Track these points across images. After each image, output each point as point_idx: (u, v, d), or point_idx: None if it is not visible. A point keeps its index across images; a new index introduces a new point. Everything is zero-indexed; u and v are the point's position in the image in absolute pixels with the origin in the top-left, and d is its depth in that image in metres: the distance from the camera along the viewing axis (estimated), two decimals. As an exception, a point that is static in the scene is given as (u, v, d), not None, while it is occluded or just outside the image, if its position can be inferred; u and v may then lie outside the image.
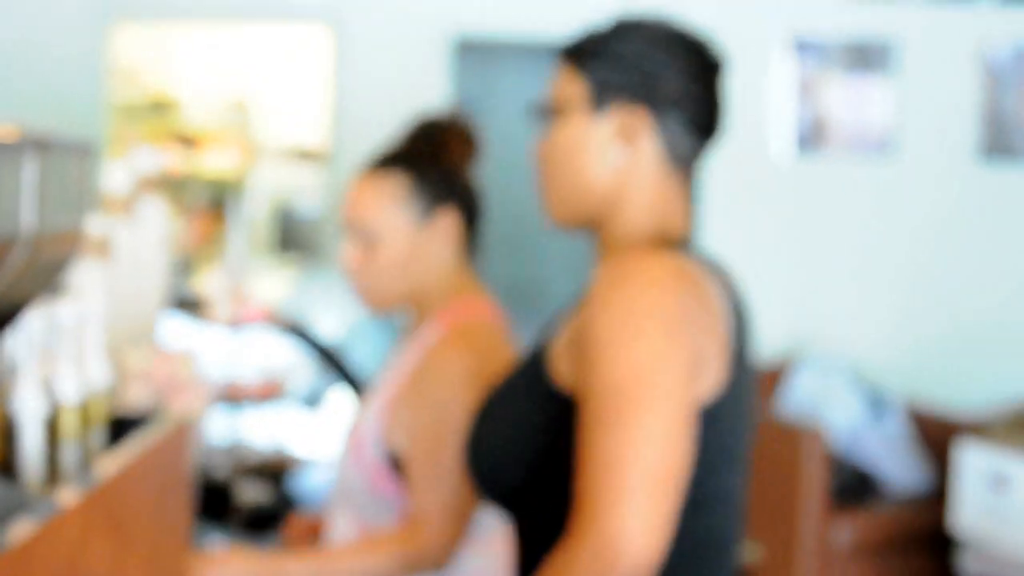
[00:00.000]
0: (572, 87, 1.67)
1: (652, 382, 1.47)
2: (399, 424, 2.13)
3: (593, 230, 1.71)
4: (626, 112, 1.63)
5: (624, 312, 1.49)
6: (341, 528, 2.21)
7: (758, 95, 6.27)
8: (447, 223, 2.17)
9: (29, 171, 1.22)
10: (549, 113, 1.71)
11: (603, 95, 1.64)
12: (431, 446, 2.07)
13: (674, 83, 1.63)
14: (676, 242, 1.64)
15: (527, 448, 1.61)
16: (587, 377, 1.51)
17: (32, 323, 1.61)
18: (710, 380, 1.55)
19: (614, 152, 1.65)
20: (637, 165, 1.65)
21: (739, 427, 1.64)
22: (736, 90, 6.31)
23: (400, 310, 2.26)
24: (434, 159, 2.19)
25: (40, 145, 1.24)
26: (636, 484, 1.43)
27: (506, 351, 2.19)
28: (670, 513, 1.46)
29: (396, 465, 2.13)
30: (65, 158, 1.34)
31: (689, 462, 1.50)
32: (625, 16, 1.69)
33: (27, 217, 1.23)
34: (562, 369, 1.60)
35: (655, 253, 1.57)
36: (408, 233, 2.16)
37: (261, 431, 3.48)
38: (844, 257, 6.36)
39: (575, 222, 1.72)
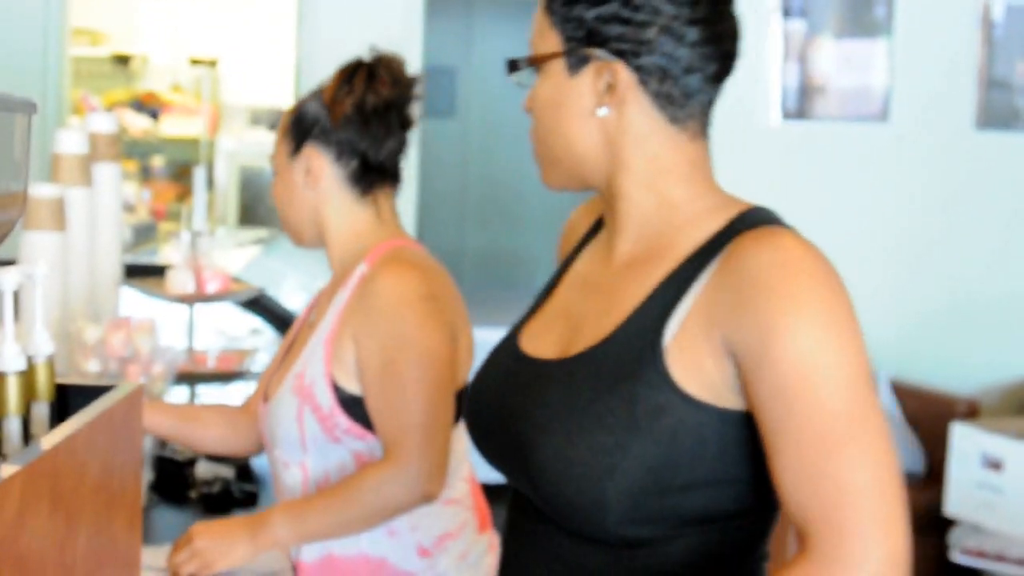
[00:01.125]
0: (547, 41, 1.58)
1: (868, 390, 1.42)
2: (341, 363, 2.19)
3: (607, 199, 1.63)
4: (603, 70, 1.54)
5: (820, 315, 1.43)
6: (291, 480, 2.26)
7: (748, 59, 6.27)
8: (309, 160, 2.31)
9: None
10: (529, 67, 1.62)
11: (578, 51, 1.54)
12: (389, 370, 2.13)
13: (660, 27, 1.51)
14: (771, 215, 1.60)
15: (637, 461, 1.46)
16: (789, 389, 1.40)
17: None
18: None
19: (596, 115, 1.56)
20: (629, 126, 1.55)
21: None
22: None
23: (316, 246, 2.41)
24: (316, 95, 2.33)
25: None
26: (900, 501, 1.38)
27: (439, 268, 2.27)
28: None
29: (347, 405, 2.18)
30: (5, 116, 1.34)
31: None
32: None
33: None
34: (696, 372, 1.47)
35: (806, 243, 1.52)
36: (285, 167, 2.35)
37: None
38: (835, 227, 6.37)
39: (572, 185, 1.63)
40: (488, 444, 1.64)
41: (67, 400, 1.81)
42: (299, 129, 2.31)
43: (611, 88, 1.54)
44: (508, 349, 1.69)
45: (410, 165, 6.37)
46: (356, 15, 6.17)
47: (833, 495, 1.37)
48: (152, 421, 2.41)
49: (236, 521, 2.27)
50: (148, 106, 9.06)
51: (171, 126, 9.08)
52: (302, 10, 6.28)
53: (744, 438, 1.46)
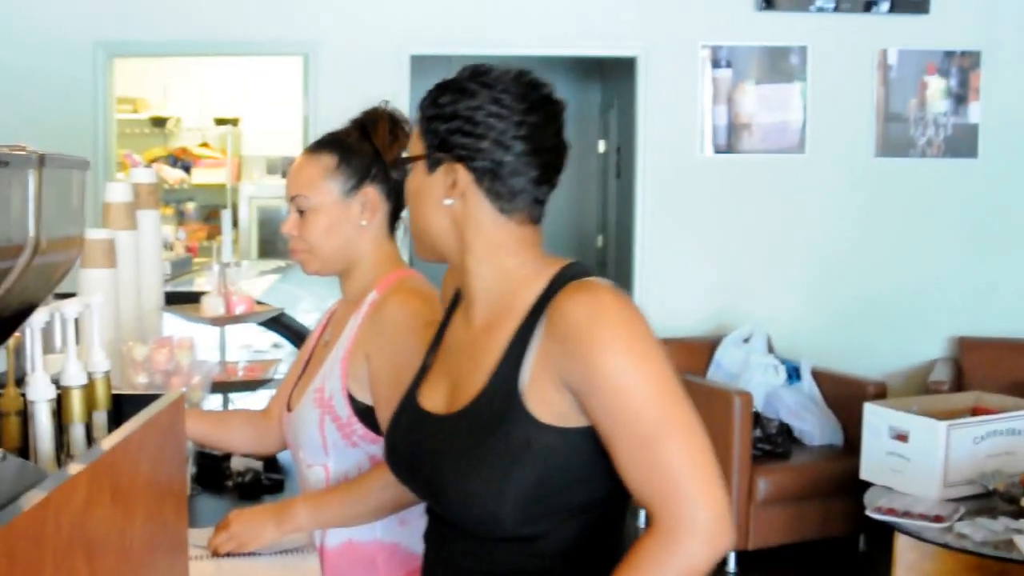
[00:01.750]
0: (416, 146, 1.72)
1: (672, 387, 1.54)
2: (356, 379, 2.19)
3: (460, 274, 1.75)
4: (449, 170, 1.66)
5: (625, 344, 1.53)
6: (315, 479, 2.25)
7: (683, 100, 6.32)
8: (368, 197, 2.24)
9: (33, 183, 1.24)
10: (404, 165, 1.78)
11: (433, 155, 1.68)
12: (394, 385, 2.10)
13: (492, 139, 1.63)
14: (577, 266, 1.69)
15: (519, 482, 1.59)
16: (613, 407, 1.53)
17: (40, 319, 1.62)
18: None
19: (445, 204, 1.68)
20: (469, 214, 1.67)
21: None
22: (665, 96, 6.37)
23: (334, 274, 2.32)
24: (362, 142, 2.25)
25: (42, 160, 1.25)
26: (712, 469, 1.52)
27: (436, 295, 2.26)
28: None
29: (362, 415, 2.18)
30: (64, 172, 1.35)
31: None
32: (465, 70, 1.68)
33: (31, 224, 1.24)
34: (548, 406, 1.59)
35: (605, 287, 1.59)
36: (334, 203, 2.23)
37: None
38: (761, 243, 6.42)
39: (433, 258, 1.76)
40: (406, 481, 1.79)
41: (121, 408, 1.82)
42: (357, 168, 2.22)
43: (454, 184, 1.66)
44: (410, 404, 1.82)
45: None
46: (353, 78, 6.18)
47: (663, 480, 1.51)
48: (191, 429, 2.42)
49: (265, 508, 2.27)
50: (181, 160, 9.07)
51: (201, 176, 9.10)
52: (307, 75, 6.28)
53: (595, 445, 1.58)
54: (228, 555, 2.24)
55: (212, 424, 2.49)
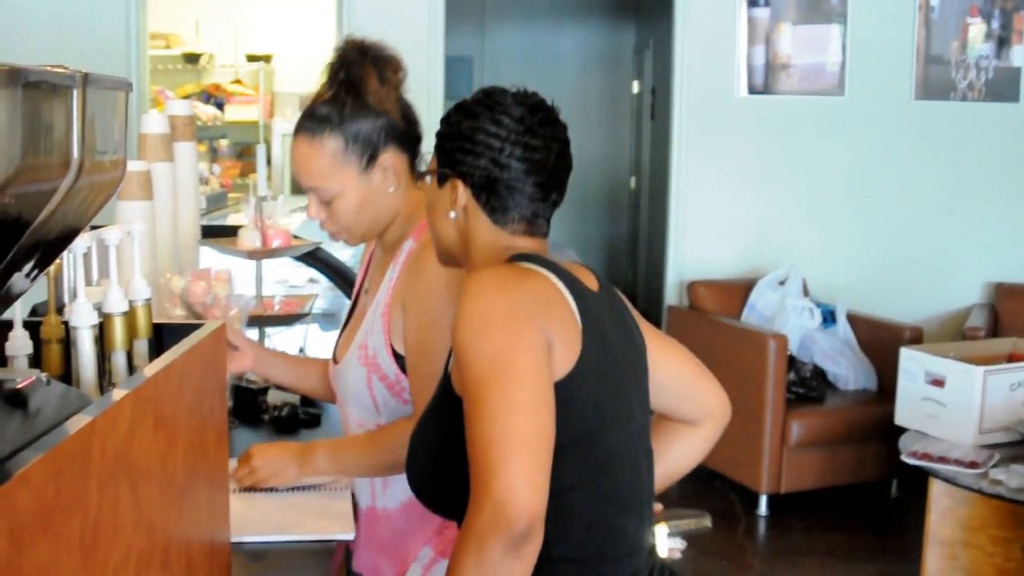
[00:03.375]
0: (433, 162, 1.83)
1: (504, 366, 1.54)
2: (397, 333, 2.15)
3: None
4: (453, 185, 1.77)
5: (468, 320, 1.59)
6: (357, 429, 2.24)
7: (721, 40, 6.23)
8: (387, 163, 2.16)
9: (77, 103, 1.21)
10: (422, 177, 1.89)
11: (441, 169, 1.79)
12: (422, 342, 2.07)
13: (490, 159, 1.73)
14: (517, 257, 1.73)
15: (451, 454, 1.65)
16: (461, 381, 1.60)
17: (82, 244, 1.60)
18: (563, 358, 1.62)
19: (449, 216, 1.79)
20: (469, 224, 1.78)
21: (620, 388, 1.72)
22: (703, 36, 6.32)
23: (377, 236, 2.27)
24: (357, 107, 2.13)
25: (86, 79, 1.23)
26: (511, 451, 1.50)
27: None
28: (548, 467, 1.53)
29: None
30: (108, 93, 1.33)
31: (554, 424, 1.56)
32: (478, 92, 1.79)
33: (76, 145, 1.22)
34: (456, 379, 1.67)
35: (488, 267, 1.69)
36: (356, 183, 2.15)
37: (287, 344, 3.48)
38: (798, 185, 6.36)
39: (446, 263, 1.89)
40: None
41: (162, 337, 1.80)
42: (367, 140, 2.12)
43: (456, 199, 1.77)
44: None
45: (433, 143, 6.34)
46: (387, 13, 6.12)
47: (471, 450, 1.54)
48: (277, 374, 2.50)
49: (288, 448, 2.26)
50: (214, 97, 9.03)
51: (234, 113, 9.06)
52: (341, 10, 6.22)
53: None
54: (249, 489, 2.24)
55: (296, 369, 2.51)
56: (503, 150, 1.72)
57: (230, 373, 2.33)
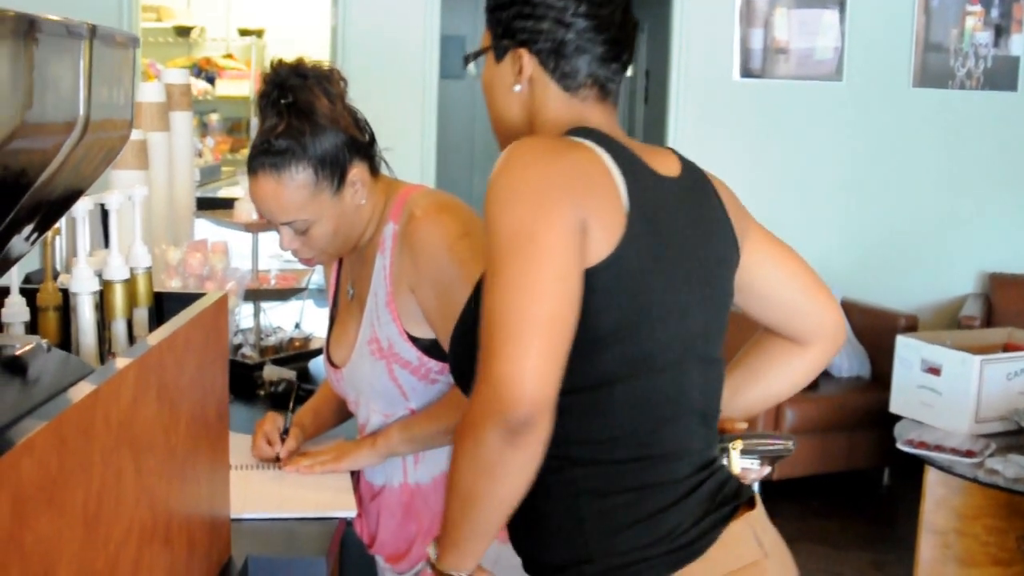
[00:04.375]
0: (485, 39, 1.70)
1: (525, 242, 1.41)
2: (409, 316, 2.09)
3: None
4: (515, 56, 1.64)
5: (496, 190, 1.46)
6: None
7: (718, 23, 6.18)
8: (355, 178, 2.08)
9: (84, 57, 1.16)
10: (475, 59, 1.75)
11: (499, 44, 1.66)
12: (446, 307, 2.01)
13: (551, 19, 1.61)
14: (576, 131, 1.59)
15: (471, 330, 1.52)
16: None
17: (84, 207, 1.55)
18: (600, 243, 1.48)
19: (515, 91, 1.66)
20: (536, 97, 1.64)
21: (671, 283, 1.56)
22: (701, 19, 6.25)
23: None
24: (316, 131, 2.04)
25: (94, 31, 1.17)
26: (519, 332, 1.37)
27: (456, 201, 2.15)
28: (559, 356, 1.39)
29: (430, 351, 2.10)
30: (115, 50, 1.27)
31: (575, 312, 1.42)
32: None
33: (82, 101, 1.16)
34: None
35: (533, 137, 1.58)
36: (331, 207, 2.07)
37: (282, 318, 3.43)
38: (794, 171, 6.31)
39: None
40: None
41: (162, 306, 1.75)
42: (334, 163, 2.04)
43: (520, 70, 1.64)
44: None
45: (428, 119, 6.29)
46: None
47: (483, 323, 1.41)
48: (326, 422, 2.44)
49: (363, 438, 2.24)
50: (205, 71, 8.95)
51: (225, 88, 8.98)
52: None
53: None
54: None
55: (332, 405, 2.43)
56: (567, 8, 1.60)
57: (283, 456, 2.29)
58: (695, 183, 1.68)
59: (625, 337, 1.50)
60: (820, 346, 1.83)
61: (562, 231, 1.42)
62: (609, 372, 1.50)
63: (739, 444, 1.76)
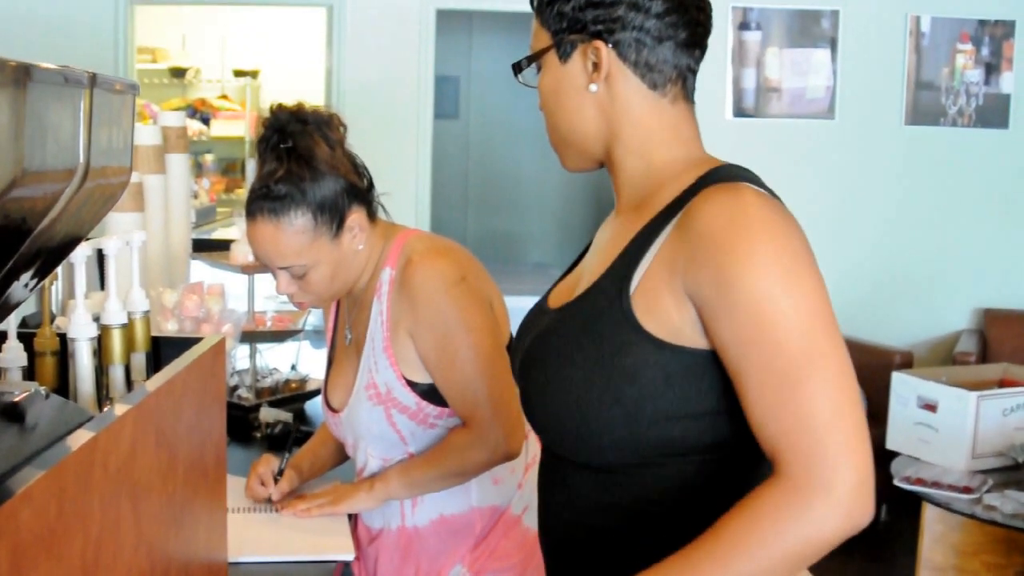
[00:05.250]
0: (540, 40, 1.51)
1: (828, 323, 1.29)
2: (406, 361, 2.09)
3: (608, 169, 1.55)
4: (587, 51, 1.46)
5: (773, 259, 1.29)
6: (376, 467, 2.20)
7: (711, 62, 6.21)
8: (354, 223, 2.08)
9: (84, 104, 1.16)
10: (534, 67, 1.55)
11: (563, 41, 1.47)
12: (445, 354, 2.02)
13: (626, 7, 1.44)
14: (736, 169, 1.48)
15: (607, 392, 1.37)
16: (748, 331, 1.28)
17: (83, 253, 1.55)
18: None
19: (590, 91, 1.48)
20: (617, 97, 1.47)
21: None
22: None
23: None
24: (316, 177, 2.03)
25: (94, 80, 1.17)
26: (861, 427, 1.25)
27: (453, 245, 2.15)
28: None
29: (428, 395, 2.09)
30: (115, 96, 1.27)
31: None
32: None
33: (82, 148, 1.17)
34: (659, 315, 1.37)
35: (752, 190, 1.38)
36: (329, 252, 2.06)
37: (279, 360, 3.42)
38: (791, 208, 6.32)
39: (585, 164, 1.56)
40: (519, 385, 1.57)
41: (159, 351, 1.75)
42: (333, 208, 2.04)
43: (596, 66, 1.46)
44: (539, 305, 1.64)
45: (423, 159, 6.31)
46: (378, 32, 6.10)
47: (800, 428, 1.25)
48: (325, 464, 2.42)
49: (360, 481, 2.23)
50: (200, 112, 8.97)
51: (220, 128, 9.00)
52: (331, 27, 6.19)
53: (712, 374, 1.35)
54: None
55: (328, 447, 2.42)
56: (650, 4, 1.43)
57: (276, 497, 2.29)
58: None
59: None
60: None
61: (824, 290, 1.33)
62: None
63: None
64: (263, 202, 2.04)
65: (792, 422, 1.26)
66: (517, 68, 1.56)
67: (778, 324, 1.27)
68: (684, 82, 1.51)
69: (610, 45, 1.45)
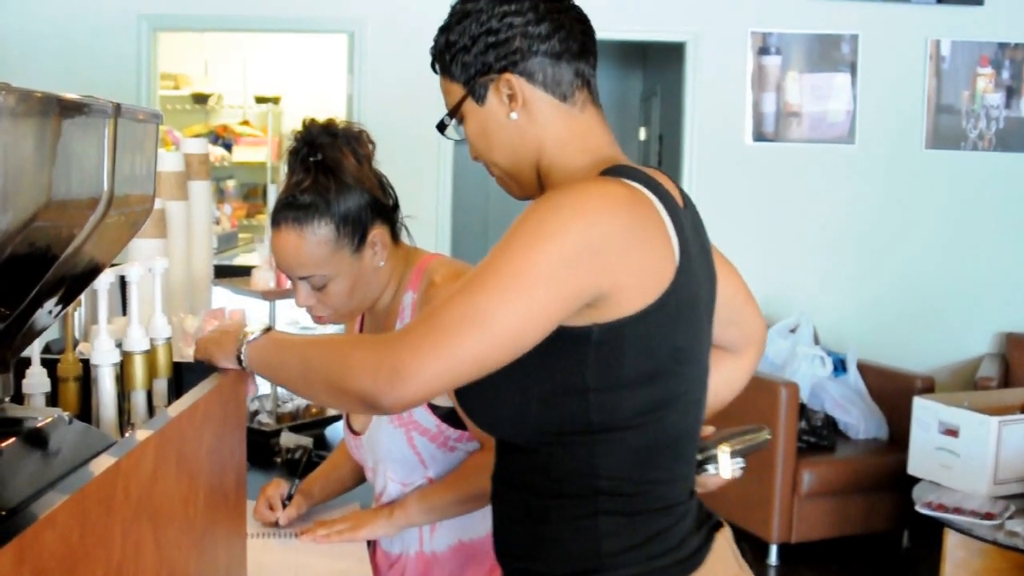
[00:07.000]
0: (453, 94, 1.62)
1: (529, 283, 1.38)
2: None
3: (544, 185, 1.63)
4: (500, 86, 1.57)
5: (538, 221, 1.41)
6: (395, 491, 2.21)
7: (731, 87, 6.23)
8: (376, 239, 2.09)
9: (108, 134, 1.18)
10: (455, 122, 1.66)
11: (476, 85, 1.59)
12: None
13: (519, 36, 1.56)
14: (616, 167, 1.54)
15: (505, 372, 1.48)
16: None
17: (106, 281, 1.57)
18: (635, 298, 1.43)
19: (512, 121, 1.58)
20: (536, 117, 1.58)
21: (697, 323, 1.55)
22: (713, 83, 6.30)
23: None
24: (341, 189, 2.05)
25: (118, 110, 1.19)
26: (461, 335, 1.36)
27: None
28: (455, 381, 1.40)
29: (449, 419, 2.10)
30: (138, 125, 1.29)
31: (508, 358, 1.41)
32: (455, 4, 1.63)
33: (105, 178, 1.18)
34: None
35: (599, 180, 1.47)
36: (349, 265, 2.07)
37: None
38: (808, 233, 6.33)
39: (531, 189, 1.64)
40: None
41: (181, 377, 1.76)
42: (356, 221, 2.05)
43: (512, 96, 1.57)
44: None
45: (443, 185, 6.34)
46: (399, 57, 6.14)
47: (428, 310, 1.40)
48: (341, 486, 2.45)
49: (379, 508, 2.23)
50: (222, 137, 9.03)
51: (241, 154, 9.06)
52: (352, 53, 6.23)
53: (580, 352, 1.45)
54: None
55: (341, 471, 2.45)
56: (527, 20, 1.56)
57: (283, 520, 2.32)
58: (694, 210, 1.65)
59: (658, 379, 1.49)
60: (752, 352, 1.88)
61: (561, 295, 1.39)
62: (639, 411, 1.49)
63: (727, 447, 1.75)
64: (288, 211, 2.06)
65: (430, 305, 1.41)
66: (442, 127, 1.67)
67: (498, 251, 1.41)
68: (588, 86, 1.61)
69: (518, 73, 1.57)
